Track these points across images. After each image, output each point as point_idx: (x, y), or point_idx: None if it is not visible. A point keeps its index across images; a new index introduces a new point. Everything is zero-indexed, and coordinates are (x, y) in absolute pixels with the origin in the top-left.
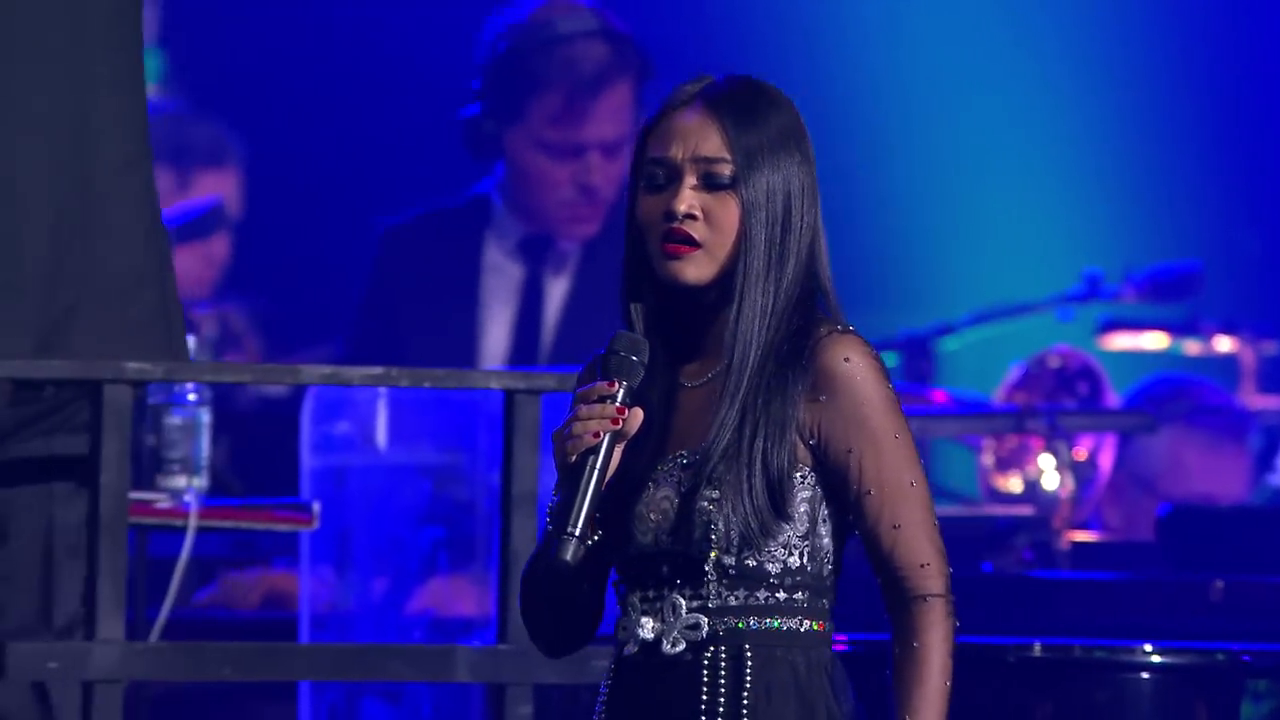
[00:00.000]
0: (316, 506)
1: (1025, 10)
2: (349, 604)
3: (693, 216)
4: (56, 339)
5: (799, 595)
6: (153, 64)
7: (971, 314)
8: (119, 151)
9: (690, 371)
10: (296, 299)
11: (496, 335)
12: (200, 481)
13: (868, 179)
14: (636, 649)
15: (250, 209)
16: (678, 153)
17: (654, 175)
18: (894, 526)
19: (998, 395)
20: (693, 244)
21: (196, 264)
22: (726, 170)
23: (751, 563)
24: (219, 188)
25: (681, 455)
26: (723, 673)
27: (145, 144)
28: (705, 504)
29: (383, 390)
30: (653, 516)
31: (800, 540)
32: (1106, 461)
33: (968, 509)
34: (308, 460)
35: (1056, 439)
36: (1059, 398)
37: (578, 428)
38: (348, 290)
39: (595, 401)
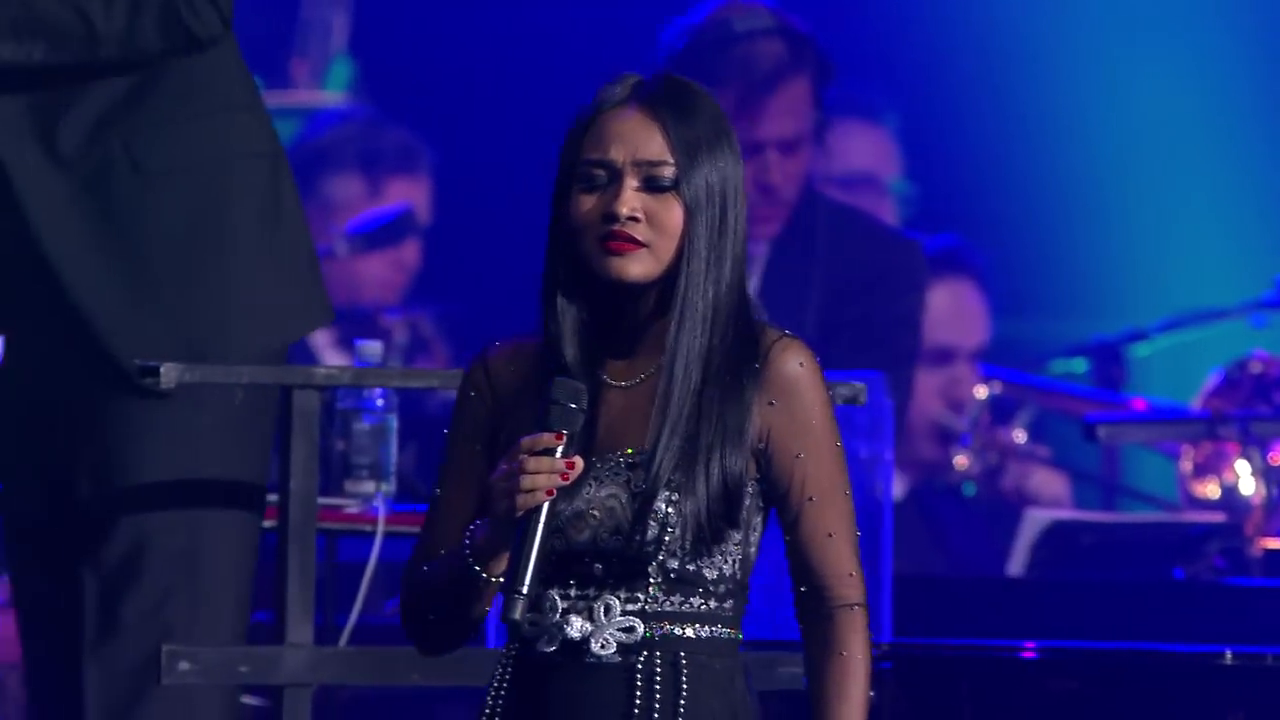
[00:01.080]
0: None
1: (1218, 10)
2: None
3: (635, 219)
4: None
5: (727, 604)
6: (343, 71)
7: (1164, 320)
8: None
9: (618, 371)
10: (486, 304)
11: None
12: (388, 487)
13: (1062, 185)
14: (554, 648)
15: (440, 215)
16: (619, 154)
17: (593, 176)
18: (828, 535)
19: (1196, 401)
20: (636, 243)
21: (387, 270)
22: (669, 172)
23: (693, 568)
24: (409, 194)
25: (623, 455)
26: (657, 680)
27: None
28: (664, 505)
29: None
30: (595, 514)
31: (735, 548)
32: None
33: (1159, 515)
34: None
35: (1250, 445)
36: (1256, 404)
37: (527, 482)
38: (536, 295)
39: (540, 453)
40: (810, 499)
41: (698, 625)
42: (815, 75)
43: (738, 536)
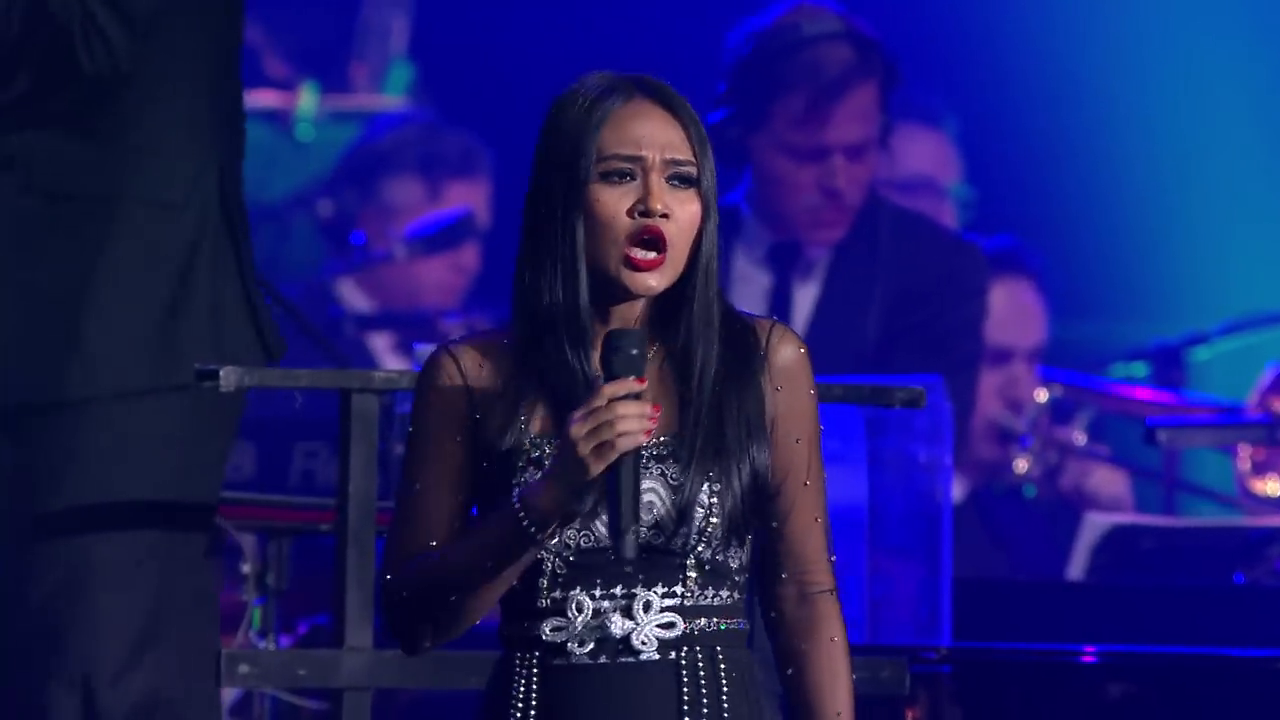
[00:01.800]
0: None
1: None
2: None
3: (665, 215)
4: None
5: (739, 595)
6: (402, 74)
7: (1224, 323)
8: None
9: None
10: None
11: None
12: None
13: (1121, 188)
14: (589, 649)
15: (500, 218)
16: (650, 150)
17: (620, 171)
18: (815, 519)
19: (1251, 396)
20: (661, 249)
21: (446, 273)
22: (693, 170)
23: (721, 559)
24: (469, 198)
25: (649, 447)
26: (701, 675)
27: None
28: (706, 498)
29: None
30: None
31: (749, 538)
32: None
33: (1220, 520)
34: None
35: None
36: None
37: (622, 425)
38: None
39: (625, 399)
40: (806, 484)
41: (726, 617)
42: (883, 80)
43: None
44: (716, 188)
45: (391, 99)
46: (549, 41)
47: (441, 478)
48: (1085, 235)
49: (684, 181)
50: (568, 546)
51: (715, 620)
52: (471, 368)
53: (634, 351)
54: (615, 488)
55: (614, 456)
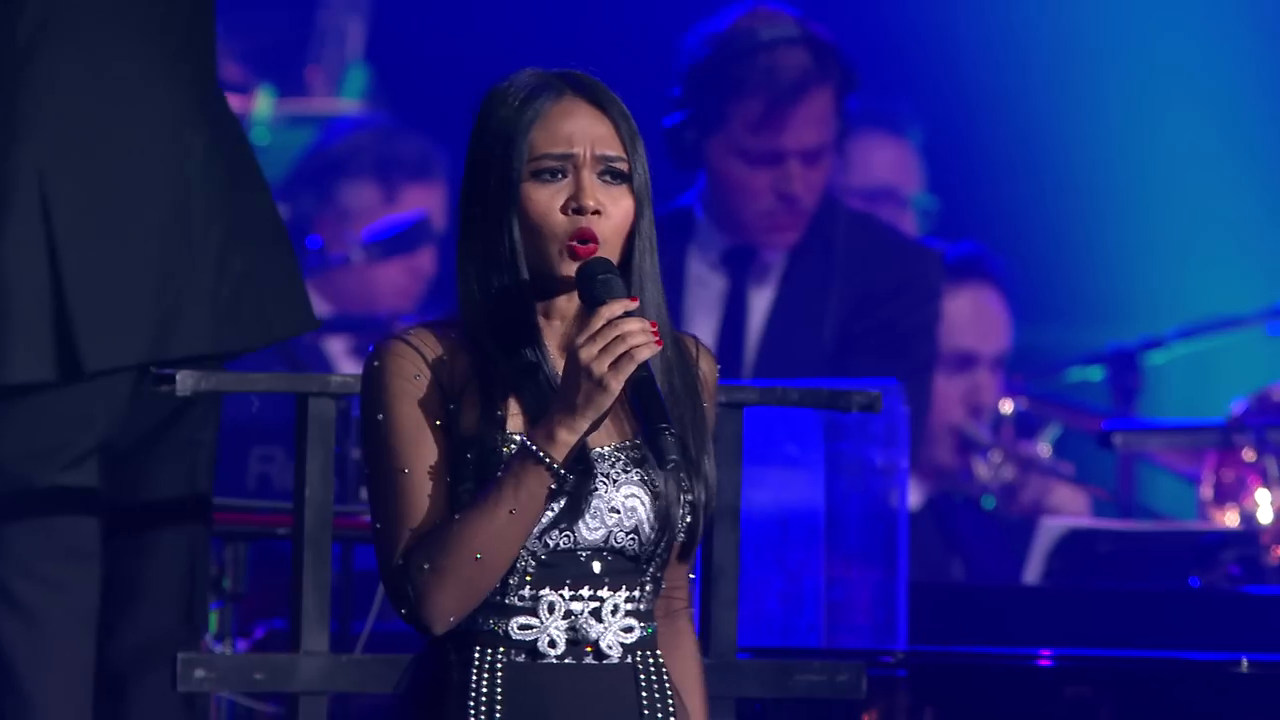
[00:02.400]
0: None
1: (1233, 18)
2: None
3: (598, 212)
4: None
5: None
6: (358, 78)
7: (1181, 328)
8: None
9: (558, 366)
10: None
11: None
12: None
13: (1078, 195)
14: (561, 649)
15: (456, 222)
16: (580, 147)
17: (550, 170)
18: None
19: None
20: (595, 241)
21: (403, 277)
22: (624, 165)
23: (666, 567)
24: (425, 201)
25: (619, 450)
26: (654, 678)
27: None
28: (684, 508)
29: None
30: (616, 513)
31: None
32: None
33: (1175, 524)
34: None
35: (1266, 454)
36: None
37: (635, 339)
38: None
39: (623, 317)
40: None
41: (655, 621)
42: (839, 85)
43: None
44: (649, 181)
45: (348, 103)
46: (505, 45)
47: (429, 460)
48: (1042, 241)
49: (616, 177)
50: (546, 546)
51: (654, 624)
52: (435, 358)
53: (610, 275)
54: (641, 397)
55: (633, 368)
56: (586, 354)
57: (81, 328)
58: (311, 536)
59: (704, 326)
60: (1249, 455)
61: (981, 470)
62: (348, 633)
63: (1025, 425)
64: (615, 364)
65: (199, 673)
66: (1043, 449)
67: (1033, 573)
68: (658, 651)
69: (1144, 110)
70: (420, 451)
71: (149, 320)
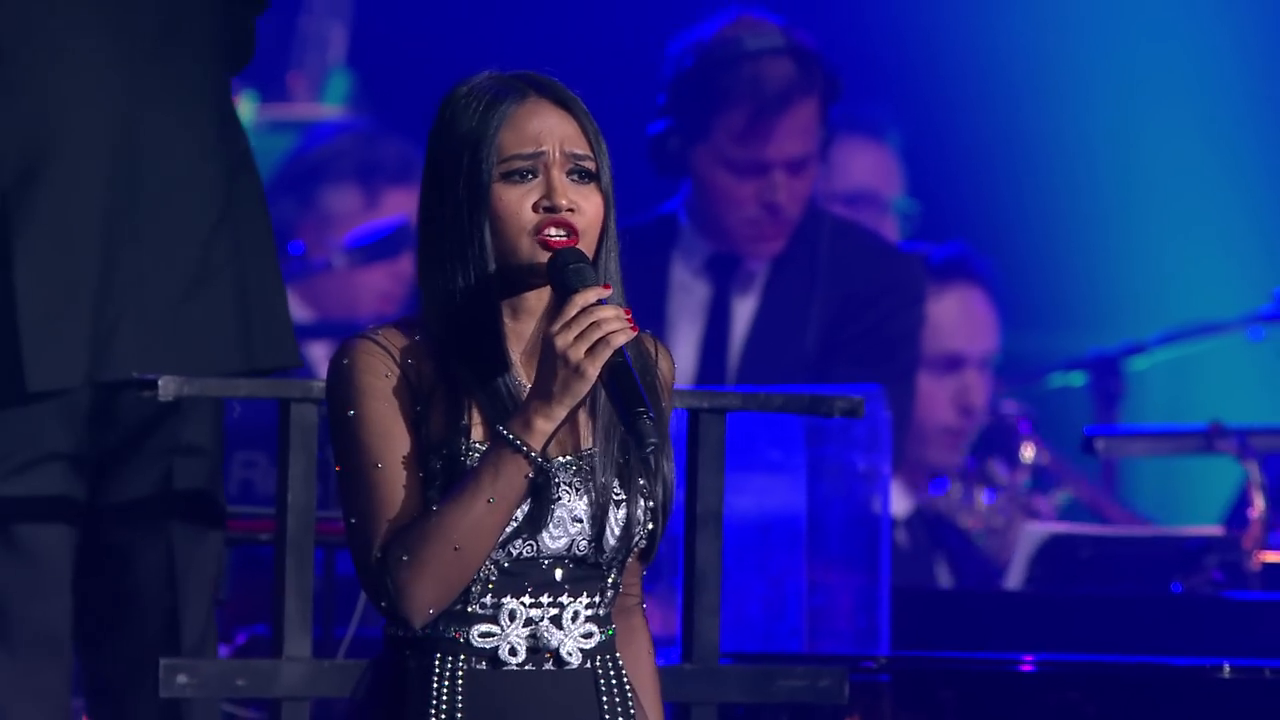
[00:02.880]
0: None
1: (1216, 23)
2: None
3: (571, 209)
4: (105, 352)
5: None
6: (340, 84)
7: (1162, 333)
8: (171, 158)
9: (532, 367)
10: None
11: (684, 354)
12: None
13: (1060, 200)
14: (521, 657)
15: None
16: (550, 146)
17: (521, 170)
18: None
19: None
20: (574, 234)
21: (385, 282)
22: (592, 164)
23: (624, 572)
24: (406, 205)
25: (580, 459)
26: (614, 682)
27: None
28: (640, 515)
29: None
30: (579, 522)
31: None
32: None
33: (1157, 529)
34: None
35: (1248, 458)
36: None
37: (609, 325)
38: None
39: (596, 305)
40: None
41: (613, 625)
42: (824, 95)
43: None
44: (613, 183)
45: (330, 108)
46: (487, 51)
47: (402, 453)
48: (1023, 246)
49: (585, 176)
50: (509, 555)
51: (612, 628)
52: (403, 358)
53: (582, 263)
54: (619, 382)
55: (609, 353)
56: (562, 341)
57: (28, 346)
58: (294, 542)
59: (687, 333)
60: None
61: (977, 510)
62: (330, 638)
63: (1043, 480)
64: (591, 350)
65: (181, 678)
66: (1049, 505)
67: (1014, 578)
68: (617, 655)
69: (1126, 115)
70: (393, 445)
71: (93, 339)
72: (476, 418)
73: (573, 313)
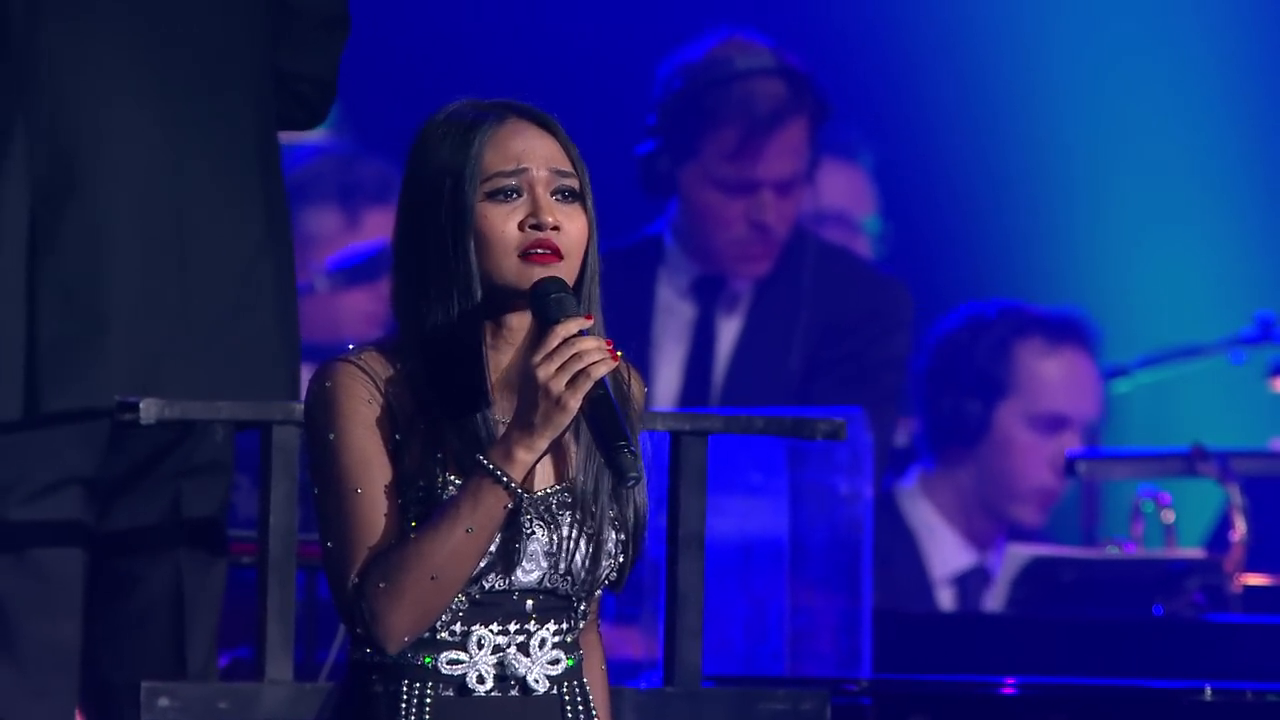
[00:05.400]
0: None
1: (1196, 43)
2: None
3: (557, 228)
4: (148, 377)
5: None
6: None
7: (1144, 356)
8: (213, 186)
9: (510, 395)
10: None
11: (668, 375)
12: None
13: (1038, 222)
14: (489, 685)
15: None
16: (534, 165)
17: (505, 189)
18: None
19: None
20: (556, 253)
21: (368, 304)
22: (576, 183)
23: (592, 600)
24: (388, 226)
25: (555, 492)
26: (580, 707)
27: (254, 172)
28: (611, 547)
29: None
30: (552, 554)
31: None
32: None
33: (1139, 553)
34: None
35: (1229, 481)
36: None
37: (591, 356)
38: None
39: (578, 335)
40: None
41: (579, 651)
42: (813, 116)
43: None
44: (594, 203)
45: (313, 132)
46: (469, 72)
47: (382, 480)
48: (1001, 269)
49: (569, 195)
50: (483, 589)
51: (579, 652)
52: (385, 384)
53: (564, 293)
54: (600, 414)
55: (589, 385)
56: (544, 373)
57: (46, 368)
58: (276, 564)
59: (672, 354)
60: None
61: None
62: (312, 661)
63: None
64: (572, 382)
65: (163, 701)
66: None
67: (997, 601)
68: (583, 679)
69: (1105, 139)
70: (373, 472)
71: (119, 363)
72: (453, 449)
73: (554, 344)
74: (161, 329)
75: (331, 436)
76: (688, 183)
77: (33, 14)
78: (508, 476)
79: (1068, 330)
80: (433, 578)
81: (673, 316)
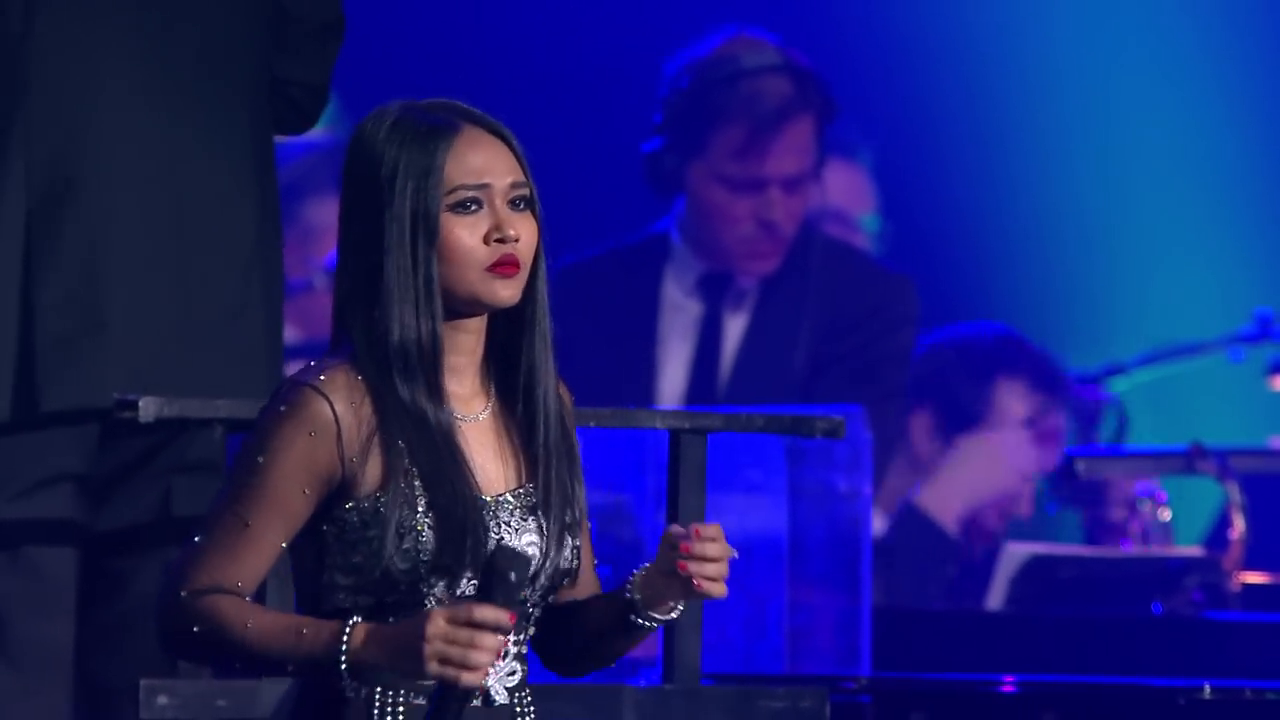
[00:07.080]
0: None
1: (1196, 44)
2: None
3: (518, 239)
4: (146, 376)
5: None
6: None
7: (1142, 354)
8: (210, 187)
9: (460, 402)
10: None
11: (674, 373)
12: None
13: (1039, 220)
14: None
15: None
16: (494, 178)
17: (467, 200)
18: (592, 555)
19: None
20: (518, 267)
21: None
22: (528, 191)
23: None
24: None
25: (515, 497)
26: (533, 717)
27: (250, 174)
28: (569, 553)
29: None
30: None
31: None
32: None
33: (1138, 550)
34: None
35: (1229, 479)
36: None
37: (478, 658)
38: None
39: (490, 629)
40: (584, 523)
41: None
42: (820, 114)
43: None
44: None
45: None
46: (472, 70)
47: (274, 522)
48: (1002, 267)
49: (522, 204)
50: (454, 598)
51: (526, 665)
52: (345, 414)
53: (517, 578)
54: (442, 708)
55: (455, 680)
56: (433, 631)
57: (43, 367)
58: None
59: (678, 351)
60: None
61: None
62: None
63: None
64: (444, 663)
65: (161, 699)
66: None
67: (995, 599)
68: (528, 690)
69: (1106, 136)
70: (271, 516)
71: (117, 362)
72: (417, 458)
73: (468, 618)
74: (160, 328)
75: (260, 460)
76: (694, 180)
77: (31, 13)
78: (348, 663)
79: None
80: (238, 665)
81: (679, 314)
